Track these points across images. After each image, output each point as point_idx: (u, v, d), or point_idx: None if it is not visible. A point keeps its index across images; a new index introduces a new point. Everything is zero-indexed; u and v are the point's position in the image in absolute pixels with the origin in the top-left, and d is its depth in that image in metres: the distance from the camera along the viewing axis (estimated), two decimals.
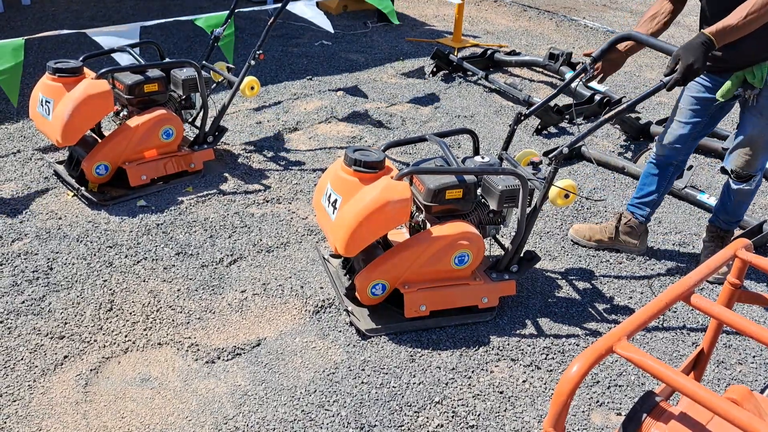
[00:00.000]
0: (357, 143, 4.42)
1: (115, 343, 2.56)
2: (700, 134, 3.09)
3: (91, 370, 2.43)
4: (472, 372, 2.54)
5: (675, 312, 2.94)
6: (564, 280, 3.13)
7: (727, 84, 2.81)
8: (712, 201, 3.76)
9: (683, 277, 1.60)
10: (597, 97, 4.98)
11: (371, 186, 2.54)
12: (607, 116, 2.63)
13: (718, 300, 1.85)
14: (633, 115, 4.76)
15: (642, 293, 3.05)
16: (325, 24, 4.75)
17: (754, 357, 2.71)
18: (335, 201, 2.60)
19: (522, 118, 3.00)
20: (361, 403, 2.35)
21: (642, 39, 2.69)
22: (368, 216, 2.47)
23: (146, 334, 2.62)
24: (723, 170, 3.05)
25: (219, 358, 2.52)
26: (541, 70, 5.97)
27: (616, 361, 2.63)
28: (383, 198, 2.48)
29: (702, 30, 2.49)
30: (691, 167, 3.94)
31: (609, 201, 3.86)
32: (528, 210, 2.74)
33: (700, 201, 3.81)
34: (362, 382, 2.44)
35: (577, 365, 1.30)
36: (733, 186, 3.07)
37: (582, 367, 1.30)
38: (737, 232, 3.49)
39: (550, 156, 2.68)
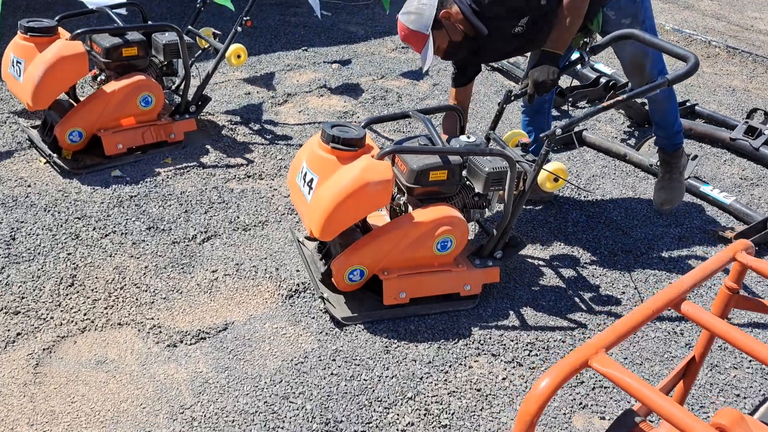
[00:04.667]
0: (349, 119, 4.24)
1: (72, 322, 2.42)
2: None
3: (44, 349, 2.29)
4: (449, 366, 2.39)
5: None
6: (554, 271, 2.97)
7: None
8: (716, 193, 3.58)
9: (675, 281, 1.43)
10: (602, 80, 4.77)
11: (350, 165, 2.37)
12: (606, 104, 2.47)
13: (713, 306, 1.69)
14: (639, 101, 4.55)
15: (636, 288, 2.90)
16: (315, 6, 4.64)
17: (750, 361, 2.56)
18: (311, 180, 2.43)
19: (512, 97, 2.83)
20: (328, 396, 2.21)
21: (643, 38, 2.61)
22: (346, 198, 2.31)
23: (107, 313, 2.48)
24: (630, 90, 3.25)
25: (181, 341, 2.38)
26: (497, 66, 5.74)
27: None
28: (363, 179, 2.31)
29: (542, 48, 2.69)
30: (696, 157, 3.75)
31: (607, 189, 3.68)
32: (515, 193, 2.58)
33: (704, 193, 3.62)
34: (331, 374, 2.30)
35: (546, 380, 1.14)
36: (647, 100, 3.21)
37: (552, 383, 1.14)
38: (739, 228, 3.32)
39: (542, 136, 2.51)
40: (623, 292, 2.87)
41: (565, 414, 2.25)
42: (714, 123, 4.50)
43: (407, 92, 4.68)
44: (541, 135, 2.51)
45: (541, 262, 3.02)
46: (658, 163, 3.38)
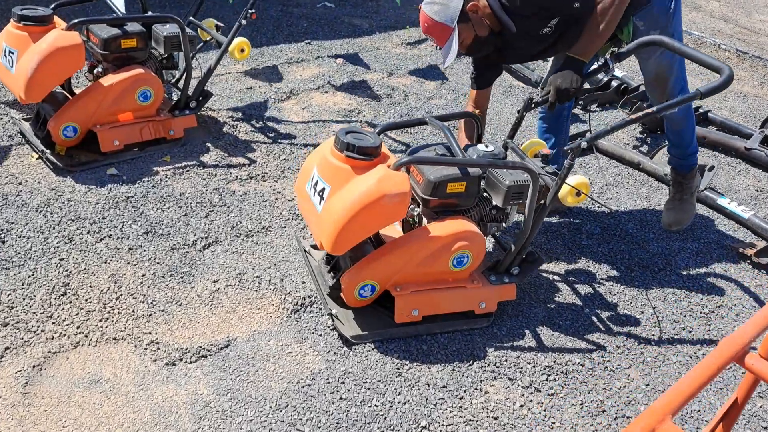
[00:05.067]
0: (354, 117, 4.08)
1: (65, 335, 2.27)
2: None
3: (34, 366, 2.15)
4: (465, 391, 2.27)
5: (691, 332, 2.67)
6: (569, 287, 2.85)
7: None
8: (734, 206, 3.46)
9: (735, 331, 1.30)
10: (614, 84, 4.64)
11: (365, 176, 2.23)
12: (635, 116, 2.34)
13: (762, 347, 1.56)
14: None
15: (655, 308, 2.78)
16: None
17: None
18: (322, 190, 2.29)
19: (532, 105, 2.69)
20: (337, 423, 2.08)
21: (672, 46, 2.49)
22: (361, 210, 2.17)
23: (101, 327, 2.33)
24: (650, 107, 3.25)
25: (181, 359, 2.24)
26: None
27: (624, 387, 2.37)
28: (379, 190, 2.17)
29: (567, 54, 2.56)
30: (712, 168, 3.64)
31: (621, 199, 3.56)
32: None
33: (720, 206, 3.51)
34: (341, 398, 2.17)
35: None
36: (664, 116, 3.13)
37: None
38: (759, 243, 3.21)
39: (566, 149, 2.38)
40: (642, 312, 2.76)
41: None
42: (727, 131, 4.38)
43: (414, 91, 4.53)
44: (565, 148, 2.37)
45: (556, 277, 2.90)
46: (670, 183, 3.29)
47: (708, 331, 2.69)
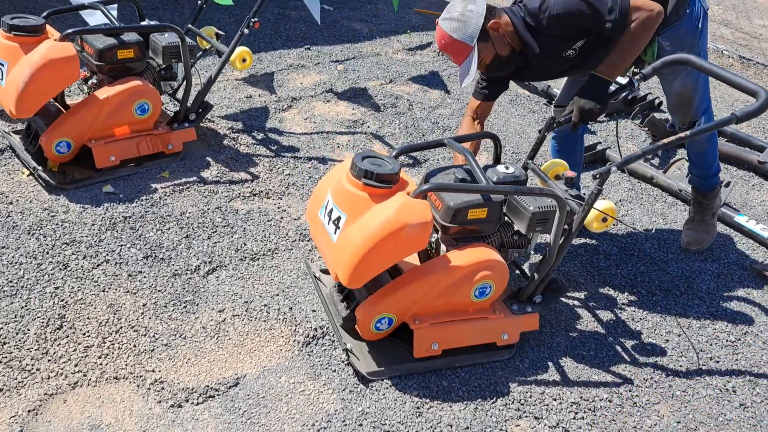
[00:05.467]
0: (358, 128, 3.94)
1: (62, 374, 2.12)
2: None
3: (29, 410, 1.99)
4: None
5: (718, 362, 2.56)
6: (590, 314, 2.73)
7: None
8: (752, 225, 3.36)
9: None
10: (622, 94, 4.52)
11: (384, 204, 2.09)
12: (668, 141, 2.22)
13: None
14: (662, 117, 4.33)
15: (680, 335, 2.66)
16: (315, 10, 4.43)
17: None
18: (338, 219, 2.15)
19: (555, 125, 2.57)
20: None
21: (701, 65, 2.36)
22: (380, 241, 2.03)
23: (101, 364, 2.18)
24: (671, 126, 3.35)
25: (187, 401, 2.09)
26: None
27: (655, 425, 2.25)
28: (400, 220, 2.04)
29: (593, 72, 2.44)
30: (728, 184, 3.53)
31: (637, 216, 3.45)
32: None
33: (738, 224, 3.40)
34: None
35: None
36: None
37: None
38: None
39: (594, 173, 2.26)
40: (667, 340, 2.64)
41: None
42: (737, 142, 4.29)
43: (418, 99, 4.39)
44: (593, 172, 2.25)
45: (576, 303, 2.78)
46: (691, 202, 3.20)
47: (736, 360, 2.58)
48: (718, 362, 2.57)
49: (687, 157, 3.17)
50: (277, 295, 2.58)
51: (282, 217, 3.04)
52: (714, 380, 2.48)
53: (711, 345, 2.64)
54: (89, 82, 3.16)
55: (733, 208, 3.51)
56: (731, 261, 3.18)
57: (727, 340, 2.68)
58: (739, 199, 3.74)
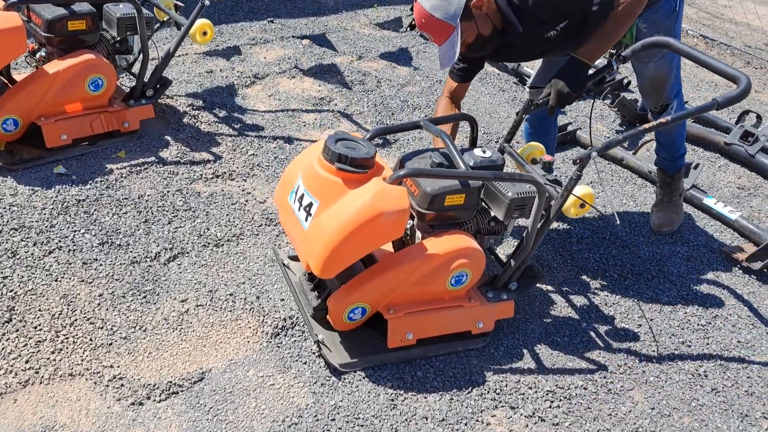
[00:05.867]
0: (325, 106, 3.81)
1: (11, 372, 1.98)
2: None
3: None
4: (465, 424, 2.08)
5: (690, 347, 2.55)
6: (564, 299, 2.69)
7: None
8: (720, 207, 3.37)
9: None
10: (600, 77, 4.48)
11: (359, 190, 1.99)
12: (647, 126, 2.17)
13: None
14: (631, 97, 4.31)
15: (652, 320, 2.65)
16: None
17: None
18: (309, 205, 2.04)
19: (532, 107, 2.50)
20: None
21: (678, 48, 2.30)
22: (355, 230, 1.93)
23: (54, 360, 2.04)
24: (642, 109, 3.35)
25: (149, 398, 1.97)
26: None
27: (630, 412, 2.23)
28: (376, 208, 1.94)
29: (573, 54, 2.36)
30: (698, 165, 3.53)
31: (607, 198, 3.42)
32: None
33: (707, 206, 3.40)
34: None
35: None
36: (656, 120, 2.95)
37: None
38: (750, 248, 3.12)
39: (574, 159, 2.20)
40: (639, 325, 2.62)
41: None
42: (703, 123, 4.30)
43: (387, 77, 4.27)
44: (574, 158, 2.19)
45: (550, 288, 2.74)
46: (658, 184, 3.20)
47: (707, 344, 2.58)
48: (689, 347, 2.56)
49: (655, 140, 3.15)
50: (243, 283, 2.46)
51: (247, 200, 2.90)
52: (686, 365, 2.48)
53: (683, 329, 2.64)
54: (37, 55, 2.96)
55: (702, 190, 3.51)
56: (700, 243, 3.18)
57: (698, 324, 2.67)
58: (705, 181, 3.75)
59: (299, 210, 2.08)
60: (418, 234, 2.28)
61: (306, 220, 2.05)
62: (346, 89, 4.03)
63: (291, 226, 2.15)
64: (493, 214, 2.35)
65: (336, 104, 3.84)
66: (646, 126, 2.18)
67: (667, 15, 2.56)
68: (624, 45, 2.61)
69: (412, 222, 2.28)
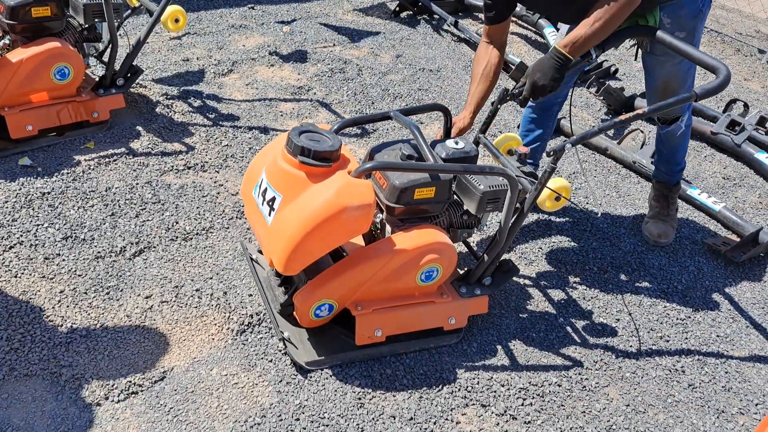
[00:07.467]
0: (304, 95, 3.73)
1: None
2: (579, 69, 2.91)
3: None
4: (434, 423, 2.03)
5: (668, 341, 2.51)
6: (541, 293, 2.64)
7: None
8: (704, 198, 3.31)
9: None
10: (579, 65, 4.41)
11: (323, 184, 1.93)
12: (625, 117, 2.11)
13: None
14: (618, 86, 4.24)
15: (631, 314, 2.60)
16: None
17: (756, 405, 2.32)
18: (272, 200, 1.97)
19: (508, 97, 2.42)
20: None
21: (664, 39, 2.26)
22: (318, 225, 1.87)
23: (9, 360, 1.98)
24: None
25: (107, 398, 1.92)
26: (515, 20, 5.32)
27: (604, 409, 2.18)
28: (339, 203, 1.88)
29: (555, 45, 2.28)
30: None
31: (590, 189, 3.37)
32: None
33: (690, 197, 3.35)
34: None
35: None
36: (662, 131, 2.91)
37: None
38: (733, 240, 3.08)
39: (548, 151, 2.13)
40: (617, 319, 2.58)
41: None
42: (691, 113, 4.23)
43: (368, 65, 4.19)
44: (547, 150, 2.12)
45: (527, 281, 2.69)
46: (653, 198, 3.09)
47: (686, 339, 2.54)
48: (668, 341, 2.52)
49: (656, 150, 3.07)
50: (211, 278, 2.40)
51: (218, 192, 2.84)
52: (664, 360, 2.43)
53: (661, 324, 2.59)
54: (1, 43, 2.86)
55: (686, 181, 3.46)
56: (683, 235, 3.13)
57: (677, 318, 2.63)
58: (691, 171, 3.69)
59: (263, 204, 2.02)
60: (388, 228, 2.22)
61: (269, 214, 1.98)
62: (326, 77, 3.95)
63: (255, 221, 2.09)
64: (465, 207, 2.29)
65: (315, 93, 3.77)
66: (622, 117, 2.12)
67: (693, 15, 2.46)
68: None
69: (382, 216, 2.22)
